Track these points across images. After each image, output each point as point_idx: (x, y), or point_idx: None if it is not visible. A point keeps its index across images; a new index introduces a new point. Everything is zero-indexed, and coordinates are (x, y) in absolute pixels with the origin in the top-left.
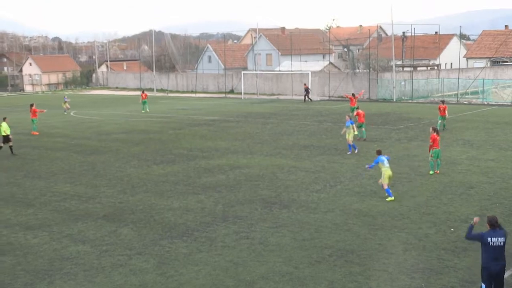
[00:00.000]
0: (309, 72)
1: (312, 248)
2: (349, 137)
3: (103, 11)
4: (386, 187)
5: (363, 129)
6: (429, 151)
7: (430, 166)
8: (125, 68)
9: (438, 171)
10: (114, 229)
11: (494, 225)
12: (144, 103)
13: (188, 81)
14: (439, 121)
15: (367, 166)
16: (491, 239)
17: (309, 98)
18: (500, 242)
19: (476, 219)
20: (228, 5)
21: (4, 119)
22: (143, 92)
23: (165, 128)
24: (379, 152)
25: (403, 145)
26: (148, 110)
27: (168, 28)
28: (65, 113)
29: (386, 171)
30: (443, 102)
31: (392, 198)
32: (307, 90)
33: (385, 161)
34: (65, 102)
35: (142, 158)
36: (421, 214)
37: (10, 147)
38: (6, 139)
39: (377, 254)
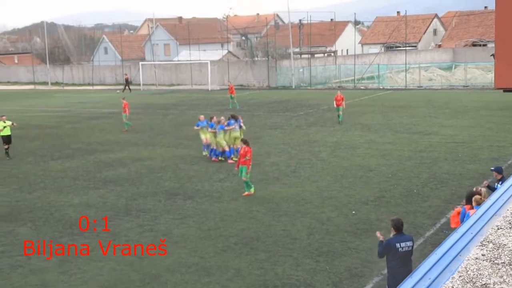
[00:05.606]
0: (208, 62)
1: (217, 238)
2: None
3: None
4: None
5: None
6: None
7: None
8: (16, 61)
9: (247, 193)
10: (12, 229)
11: (400, 229)
12: None
13: (85, 73)
14: (337, 113)
15: None
16: (400, 245)
17: (129, 88)
18: (409, 247)
19: (379, 233)
20: None
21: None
22: None
23: (62, 122)
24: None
25: (303, 131)
26: None
27: (60, 19)
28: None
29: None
30: (339, 91)
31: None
32: (127, 81)
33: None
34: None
35: (39, 154)
36: (323, 198)
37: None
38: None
39: (282, 240)
